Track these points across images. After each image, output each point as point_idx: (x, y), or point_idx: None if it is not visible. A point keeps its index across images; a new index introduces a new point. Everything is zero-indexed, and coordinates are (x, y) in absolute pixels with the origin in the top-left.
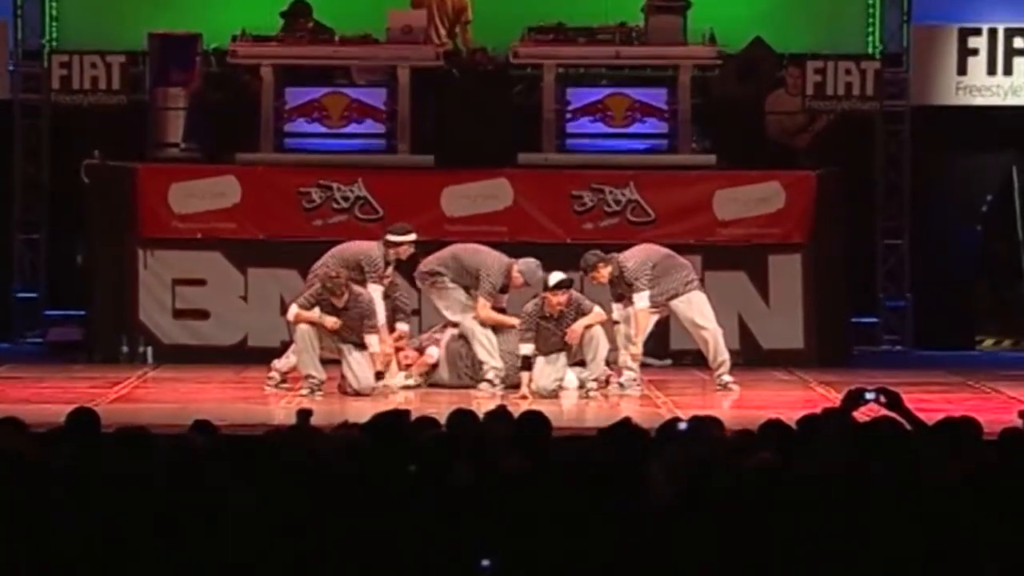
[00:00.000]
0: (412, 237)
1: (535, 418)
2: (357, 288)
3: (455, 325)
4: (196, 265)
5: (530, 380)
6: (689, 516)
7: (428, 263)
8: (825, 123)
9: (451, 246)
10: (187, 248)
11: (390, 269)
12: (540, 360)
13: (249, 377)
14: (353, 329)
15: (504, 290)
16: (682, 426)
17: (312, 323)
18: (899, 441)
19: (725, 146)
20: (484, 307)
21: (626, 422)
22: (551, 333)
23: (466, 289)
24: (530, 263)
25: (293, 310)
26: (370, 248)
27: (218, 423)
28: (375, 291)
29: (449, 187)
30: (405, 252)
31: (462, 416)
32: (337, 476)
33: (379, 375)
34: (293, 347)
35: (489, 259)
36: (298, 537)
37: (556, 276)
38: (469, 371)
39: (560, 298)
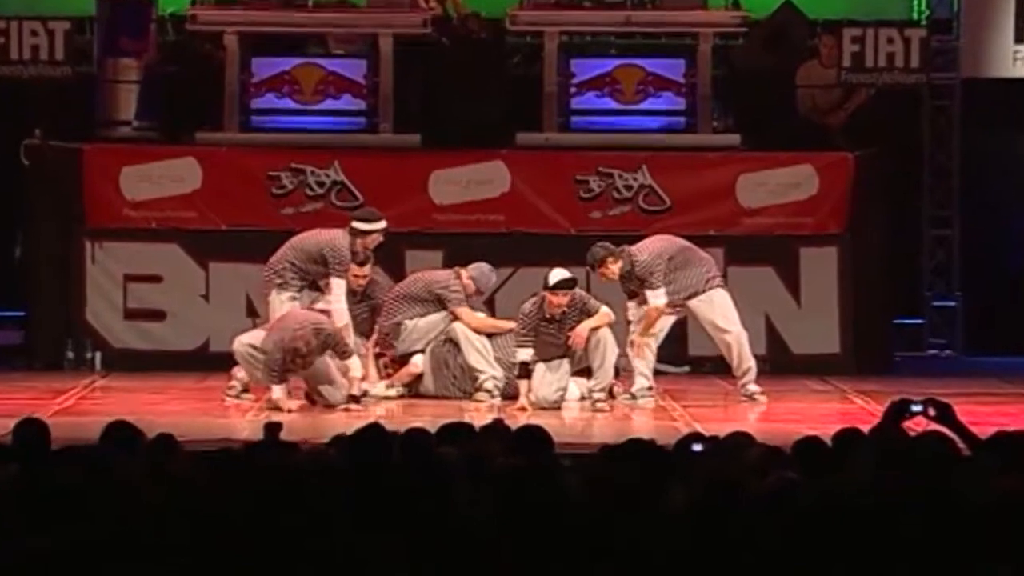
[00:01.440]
0: (381, 225)
1: (533, 434)
2: (317, 322)
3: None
4: (151, 259)
5: (529, 390)
6: (709, 545)
7: (381, 325)
8: (864, 98)
9: (388, 294)
10: (140, 240)
11: (367, 268)
12: (540, 367)
13: (211, 386)
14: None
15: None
16: (697, 447)
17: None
18: (950, 459)
19: (750, 124)
20: (468, 314)
21: (638, 441)
22: (552, 337)
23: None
24: (482, 268)
25: (275, 393)
26: (335, 238)
27: (179, 439)
28: (338, 286)
29: (438, 171)
30: (374, 242)
31: (455, 431)
32: (307, 501)
33: (355, 399)
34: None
35: (437, 274)
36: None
37: (557, 274)
38: (457, 381)
39: (561, 299)
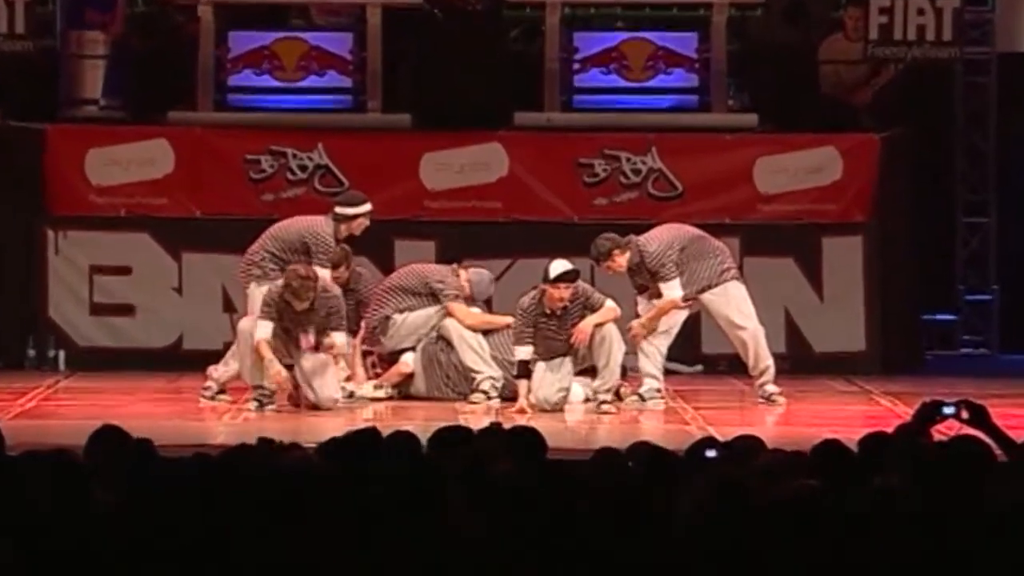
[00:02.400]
0: (367, 208)
1: (527, 437)
2: (325, 283)
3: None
4: (119, 249)
5: (529, 391)
6: (719, 557)
7: (368, 320)
8: (892, 75)
9: (378, 286)
10: (107, 228)
11: (340, 270)
12: (540, 366)
13: (185, 387)
14: (322, 331)
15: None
16: (711, 453)
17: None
18: (984, 465)
19: (769, 103)
20: (463, 310)
21: (645, 444)
22: (553, 333)
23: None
24: (483, 274)
25: (259, 335)
26: (317, 225)
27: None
28: (322, 277)
29: (430, 154)
30: (359, 227)
31: (451, 435)
32: (289, 509)
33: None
34: (233, 350)
35: (433, 267)
36: None
37: (559, 265)
38: (449, 381)
39: (563, 292)
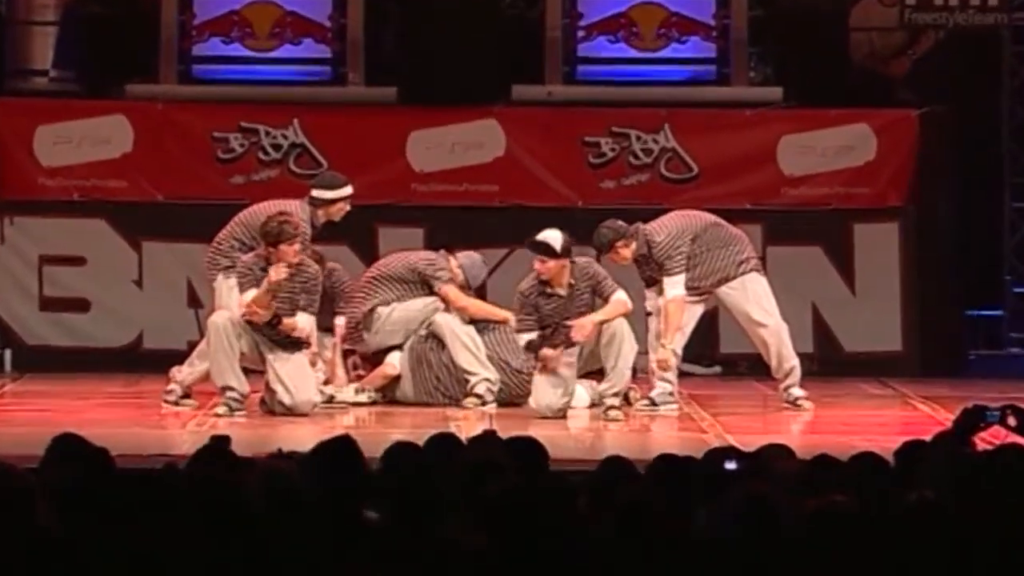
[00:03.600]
0: (347, 191)
1: (525, 446)
2: (306, 260)
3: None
4: (72, 237)
5: (542, 364)
6: None
7: (349, 314)
8: (932, 43)
9: (356, 281)
10: (60, 214)
11: (297, 244)
12: (543, 374)
13: (145, 391)
14: (286, 306)
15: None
16: (731, 465)
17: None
18: None
19: (795, 75)
20: (458, 295)
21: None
22: (559, 317)
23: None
24: (474, 257)
25: (245, 297)
26: (293, 209)
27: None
28: None
29: (418, 131)
30: (339, 213)
31: (440, 444)
32: (261, 526)
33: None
34: (200, 349)
35: (420, 252)
36: None
37: (543, 234)
38: (440, 384)
39: (542, 266)
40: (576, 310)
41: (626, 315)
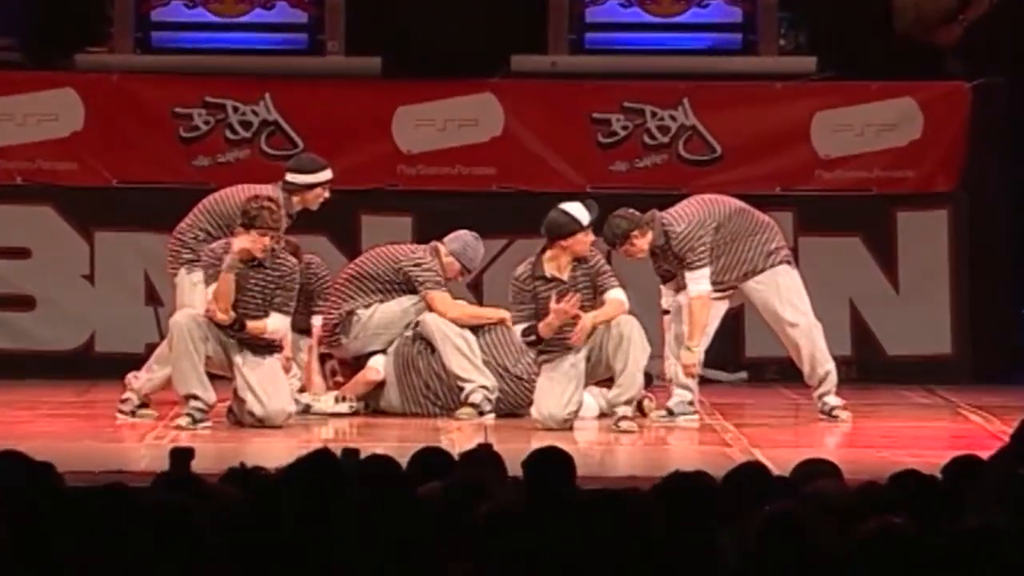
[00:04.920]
0: (325, 176)
1: (551, 458)
2: (282, 251)
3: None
4: (15, 226)
5: (540, 353)
6: None
7: (327, 315)
8: (986, 7)
9: (337, 276)
10: (1, 199)
11: (267, 237)
12: (548, 379)
13: (98, 399)
14: (257, 301)
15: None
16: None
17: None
18: None
19: (830, 43)
20: (445, 301)
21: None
22: (557, 289)
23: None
24: (464, 238)
25: (209, 292)
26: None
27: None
28: None
29: (405, 107)
30: (316, 200)
31: (428, 461)
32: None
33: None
34: (160, 353)
35: (406, 248)
36: None
37: (577, 208)
38: (429, 392)
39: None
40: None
41: (613, 318)
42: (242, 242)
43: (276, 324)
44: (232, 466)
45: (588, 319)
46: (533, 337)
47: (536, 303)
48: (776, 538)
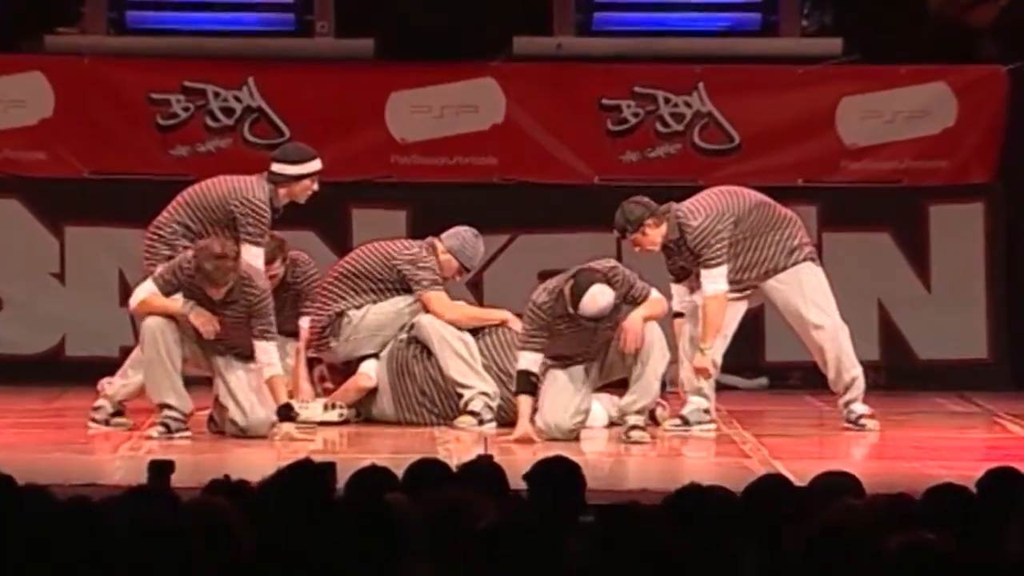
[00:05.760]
0: (315, 166)
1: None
2: (248, 269)
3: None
4: None
5: (534, 411)
6: None
7: (315, 317)
8: None
9: (326, 274)
10: None
11: (276, 265)
12: (553, 377)
13: (69, 407)
14: (238, 333)
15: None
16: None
17: (168, 316)
18: None
19: (857, 24)
20: (442, 302)
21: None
22: (578, 341)
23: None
24: (462, 234)
25: (141, 294)
26: (247, 187)
27: (21, 482)
28: (254, 258)
29: (400, 92)
30: (304, 192)
31: (423, 473)
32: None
33: (286, 410)
34: (134, 357)
35: (400, 244)
36: None
37: (593, 300)
38: (426, 399)
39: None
40: (600, 340)
41: (660, 317)
42: (197, 319)
43: (268, 351)
44: (215, 478)
45: (638, 318)
46: (523, 385)
47: (552, 337)
48: (810, 559)
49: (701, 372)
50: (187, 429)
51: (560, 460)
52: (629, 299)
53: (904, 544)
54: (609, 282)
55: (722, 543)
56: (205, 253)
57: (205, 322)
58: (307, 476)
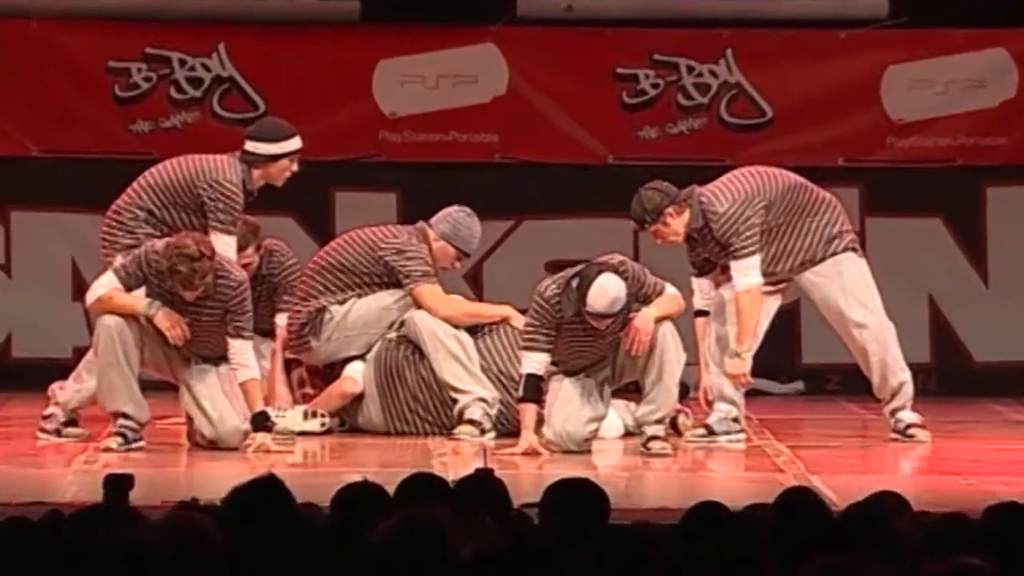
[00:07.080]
0: (294, 145)
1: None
2: (220, 259)
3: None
4: None
5: (541, 420)
6: None
7: (293, 314)
8: None
9: (306, 266)
10: None
11: (250, 252)
12: (562, 385)
13: (15, 415)
14: (210, 336)
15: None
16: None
17: (129, 316)
18: None
19: None
20: (436, 296)
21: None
22: (586, 342)
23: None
24: (455, 217)
25: (99, 289)
26: (217, 168)
27: None
28: (225, 247)
29: (389, 60)
30: (281, 173)
31: (416, 489)
32: None
33: (261, 419)
34: (89, 359)
35: (387, 231)
36: None
37: (601, 292)
38: (417, 405)
39: (600, 323)
40: (608, 342)
41: (676, 316)
42: (163, 322)
43: (243, 351)
44: (183, 500)
45: (649, 316)
46: (526, 390)
47: (559, 334)
48: None
49: (736, 380)
50: (143, 440)
51: (583, 483)
52: (641, 297)
53: (951, 570)
54: (619, 275)
55: (749, 569)
56: (179, 254)
57: (172, 325)
58: (267, 494)
